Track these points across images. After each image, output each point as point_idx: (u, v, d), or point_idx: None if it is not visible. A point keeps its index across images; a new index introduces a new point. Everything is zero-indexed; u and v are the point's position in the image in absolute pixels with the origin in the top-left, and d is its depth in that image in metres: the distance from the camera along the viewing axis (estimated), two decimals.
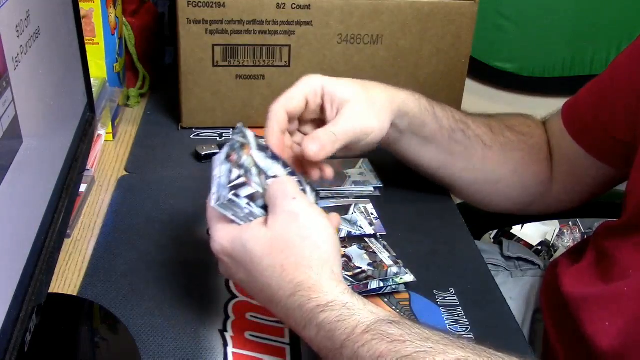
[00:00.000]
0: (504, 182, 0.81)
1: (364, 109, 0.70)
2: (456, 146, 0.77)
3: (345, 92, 0.70)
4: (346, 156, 0.79)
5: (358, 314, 0.51)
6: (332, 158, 0.68)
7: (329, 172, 0.69)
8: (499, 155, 0.79)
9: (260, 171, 0.58)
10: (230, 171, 0.57)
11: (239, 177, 0.57)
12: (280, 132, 0.66)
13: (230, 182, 0.56)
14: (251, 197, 0.57)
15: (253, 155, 0.59)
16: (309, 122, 0.72)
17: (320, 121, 0.71)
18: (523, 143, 0.80)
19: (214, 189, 0.57)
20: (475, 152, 0.78)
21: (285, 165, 0.61)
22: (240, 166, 0.57)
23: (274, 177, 0.59)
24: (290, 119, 0.69)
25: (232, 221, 0.57)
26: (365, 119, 0.70)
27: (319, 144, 0.66)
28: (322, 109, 0.70)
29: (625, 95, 0.71)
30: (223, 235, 0.56)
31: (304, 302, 0.52)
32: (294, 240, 0.54)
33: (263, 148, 0.60)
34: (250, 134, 0.61)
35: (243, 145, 0.59)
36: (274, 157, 0.61)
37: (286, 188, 0.57)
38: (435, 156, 0.78)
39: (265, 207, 0.57)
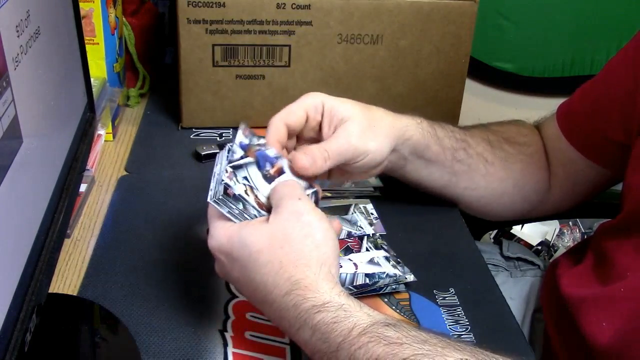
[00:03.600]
0: (507, 195, 0.81)
1: (362, 129, 0.68)
2: (459, 166, 0.77)
3: (345, 111, 0.68)
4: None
5: (354, 316, 0.51)
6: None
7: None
8: (500, 171, 0.79)
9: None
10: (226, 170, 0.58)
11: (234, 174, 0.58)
12: (280, 145, 0.65)
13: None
14: (245, 192, 0.57)
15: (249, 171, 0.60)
16: (306, 142, 0.70)
17: (317, 142, 0.69)
18: (522, 154, 0.80)
19: (212, 185, 0.58)
20: (478, 170, 0.78)
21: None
22: (236, 167, 0.58)
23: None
24: (290, 135, 0.67)
25: (230, 219, 0.57)
26: (362, 140, 0.68)
27: (311, 157, 0.63)
28: (320, 127, 0.69)
29: (619, 97, 0.71)
30: (221, 233, 0.56)
31: (299, 301, 0.52)
32: (294, 237, 0.54)
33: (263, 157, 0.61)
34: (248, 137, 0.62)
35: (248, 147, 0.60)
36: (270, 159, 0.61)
37: (293, 190, 0.58)
38: (440, 177, 0.78)
39: (261, 209, 0.58)
